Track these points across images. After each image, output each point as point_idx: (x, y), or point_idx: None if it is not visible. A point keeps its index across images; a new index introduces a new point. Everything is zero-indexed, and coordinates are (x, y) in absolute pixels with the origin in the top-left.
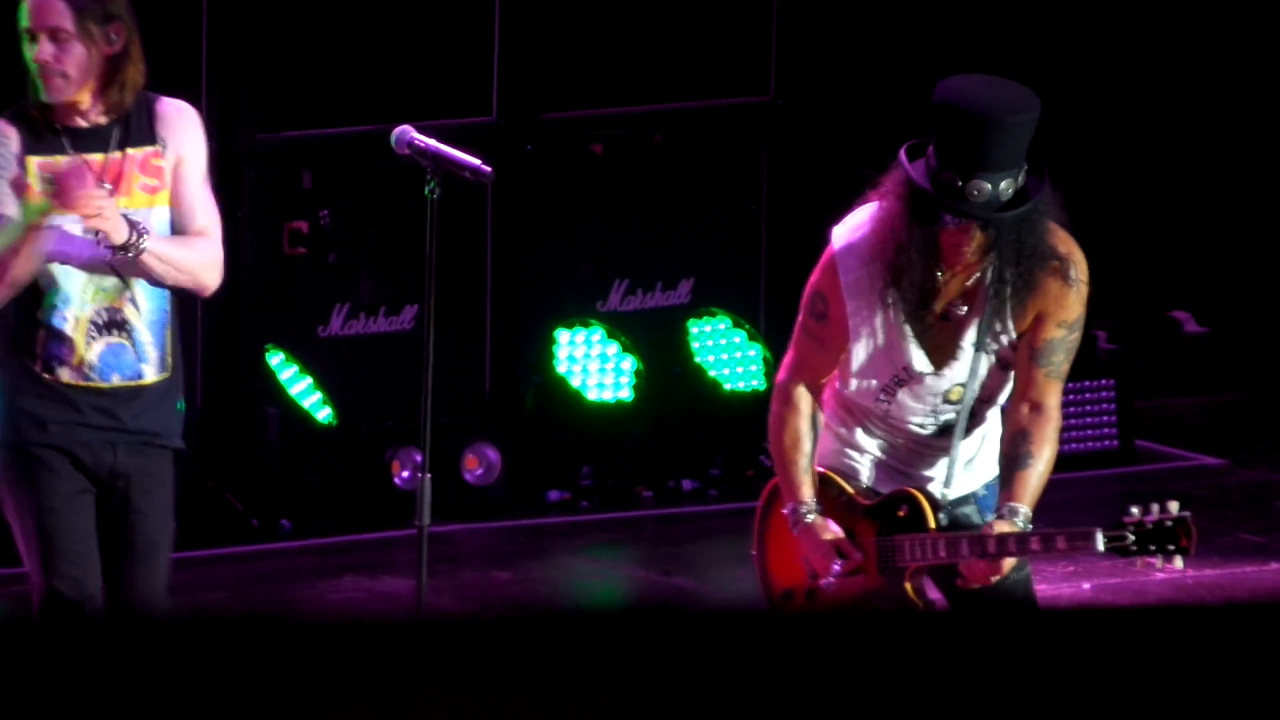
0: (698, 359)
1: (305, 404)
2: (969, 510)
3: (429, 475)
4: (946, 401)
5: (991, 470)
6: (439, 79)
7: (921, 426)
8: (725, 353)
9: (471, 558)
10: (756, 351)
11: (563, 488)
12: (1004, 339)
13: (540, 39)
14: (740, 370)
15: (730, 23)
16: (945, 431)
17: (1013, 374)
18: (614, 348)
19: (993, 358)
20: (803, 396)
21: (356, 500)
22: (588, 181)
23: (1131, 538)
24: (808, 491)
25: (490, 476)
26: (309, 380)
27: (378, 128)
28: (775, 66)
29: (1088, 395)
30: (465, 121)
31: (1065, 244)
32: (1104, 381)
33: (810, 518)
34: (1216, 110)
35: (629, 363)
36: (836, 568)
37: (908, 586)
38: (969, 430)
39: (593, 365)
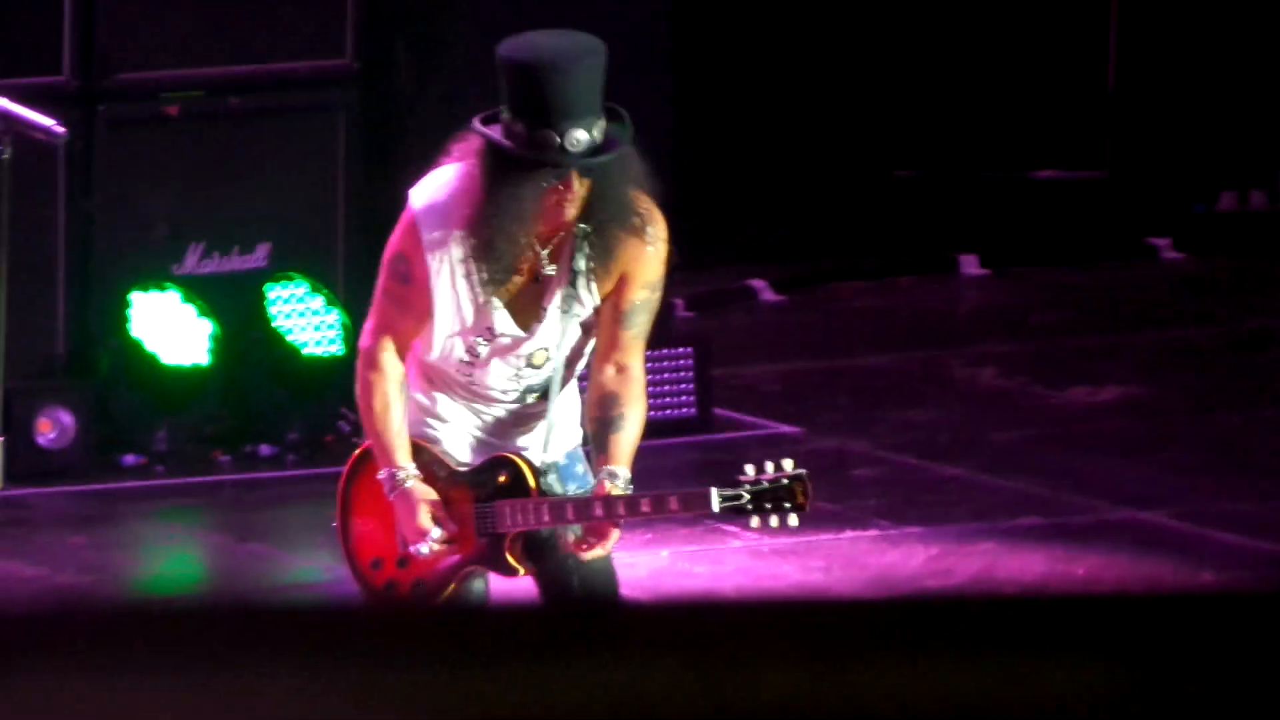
0: (276, 323)
1: None
2: (551, 480)
3: (1, 439)
4: (530, 366)
5: (573, 438)
6: (8, 37)
7: (505, 393)
8: (304, 317)
9: (45, 522)
10: (336, 316)
11: (138, 452)
12: (589, 301)
13: None
14: (319, 335)
15: None
16: (527, 399)
17: (593, 336)
18: (191, 311)
19: (578, 320)
20: (390, 360)
21: None
22: (162, 143)
23: (747, 497)
24: (403, 456)
25: (64, 440)
26: None
27: None
28: (353, 30)
29: (665, 364)
30: (36, 81)
31: (645, 203)
32: (681, 350)
33: (409, 483)
34: (781, 53)
35: (206, 326)
36: (433, 535)
37: (508, 554)
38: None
39: (169, 329)
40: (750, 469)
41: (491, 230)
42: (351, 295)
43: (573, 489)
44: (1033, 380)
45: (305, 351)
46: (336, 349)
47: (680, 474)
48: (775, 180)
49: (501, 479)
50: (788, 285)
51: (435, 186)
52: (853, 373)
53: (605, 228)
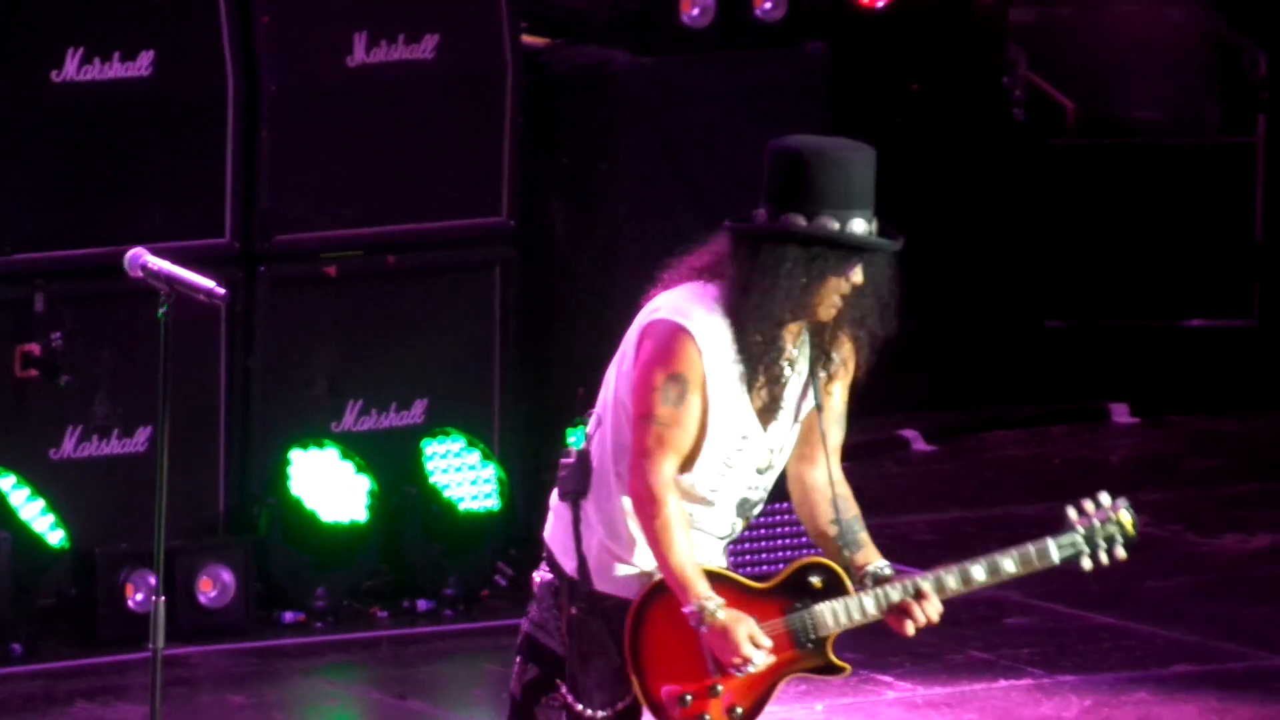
0: (432, 479)
1: (37, 527)
2: None
3: (163, 598)
4: (758, 472)
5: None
6: (172, 201)
7: (730, 509)
8: (460, 473)
9: (206, 681)
10: (492, 471)
11: (297, 609)
12: (811, 404)
13: (272, 160)
14: (475, 490)
15: (462, 145)
16: (736, 525)
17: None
18: (349, 468)
19: (799, 426)
20: (674, 498)
21: (89, 624)
22: (321, 303)
23: (1082, 541)
24: (705, 585)
25: (225, 598)
26: (41, 503)
27: (110, 250)
28: (508, 188)
29: None
30: (199, 243)
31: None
32: None
33: (720, 614)
34: (949, 212)
35: (364, 483)
36: (759, 657)
37: (830, 654)
38: None
39: (327, 486)
40: (1072, 512)
41: (765, 330)
42: (507, 450)
43: None
44: (1185, 528)
45: (462, 507)
46: (493, 504)
47: None
48: (927, 330)
49: (816, 583)
50: (939, 435)
51: (690, 305)
52: (1004, 522)
53: (841, 329)
